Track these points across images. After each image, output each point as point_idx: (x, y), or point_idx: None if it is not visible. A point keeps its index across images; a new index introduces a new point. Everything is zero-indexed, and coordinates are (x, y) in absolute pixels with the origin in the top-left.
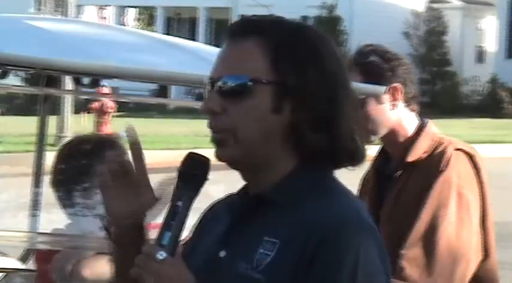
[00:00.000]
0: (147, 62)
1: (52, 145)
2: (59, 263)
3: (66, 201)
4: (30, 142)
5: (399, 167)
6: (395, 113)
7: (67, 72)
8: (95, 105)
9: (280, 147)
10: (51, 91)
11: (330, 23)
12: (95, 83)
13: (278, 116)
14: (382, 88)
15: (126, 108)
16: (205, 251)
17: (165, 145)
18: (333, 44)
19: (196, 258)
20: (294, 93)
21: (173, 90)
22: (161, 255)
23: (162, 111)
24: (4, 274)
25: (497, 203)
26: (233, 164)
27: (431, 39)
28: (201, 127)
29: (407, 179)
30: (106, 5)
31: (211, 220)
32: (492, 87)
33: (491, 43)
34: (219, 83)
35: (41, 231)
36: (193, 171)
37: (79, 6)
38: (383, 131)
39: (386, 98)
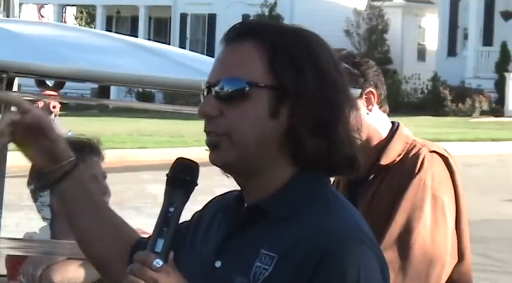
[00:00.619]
0: (119, 65)
1: None
2: (28, 268)
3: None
4: None
5: (372, 171)
6: (370, 117)
7: (39, 75)
8: (40, 104)
9: (277, 153)
10: None
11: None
12: (61, 86)
13: (275, 120)
14: (357, 91)
15: (66, 107)
16: (200, 259)
17: (111, 145)
18: (331, 49)
19: (192, 266)
20: (292, 97)
21: (112, 89)
22: (158, 263)
23: (103, 110)
24: None
25: None
26: (228, 169)
27: (372, 37)
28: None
29: (381, 183)
30: (45, 3)
31: (207, 224)
32: (433, 85)
33: (432, 41)
34: (217, 87)
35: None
36: (184, 176)
37: (20, 5)
38: (363, 137)
39: (361, 103)
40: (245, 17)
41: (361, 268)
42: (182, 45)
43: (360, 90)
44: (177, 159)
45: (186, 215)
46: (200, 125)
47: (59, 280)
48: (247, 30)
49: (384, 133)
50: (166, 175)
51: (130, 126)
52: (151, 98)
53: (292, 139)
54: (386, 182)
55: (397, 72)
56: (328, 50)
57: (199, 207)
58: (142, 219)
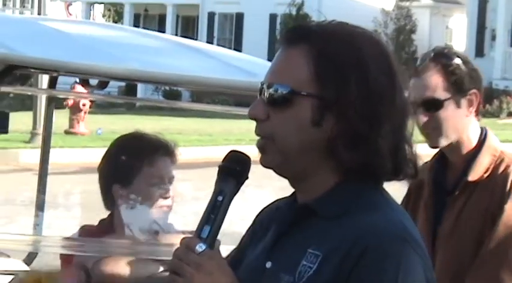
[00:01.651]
0: (170, 66)
1: (27, 142)
2: (80, 260)
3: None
4: (1, 139)
5: (459, 185)
6: (467, 121)
7: (93, 75)
8: (70, 103)
9: (321, 160)
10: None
11: (298, 21)
12: (104, 86)
13: (318, 128)
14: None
15: (93, 105)
16: (253, 261)
17: None
18: (388, 56)
19: (245, 267)
20: (337, 107)
21: (139, 87)
22: (201, 247)
23: (130, 108)
24: (12, 276)
25: None
26: (276, 171)
27: (400, 37)
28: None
29: (468, 199)
30: (73, 1)
31: (261, 228)
32: None
33: (460, 42)
34: (266, 90)
35: (45, 234)
36: (235, 167)
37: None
38: (453, 137)
39: (464, 103)
40: (272, 16)
41: (401, 267)
42: (209, 44)
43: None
44: (231, 151)
45: None
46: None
47: (109, 274)
48: (299, 35)
49: (474, 141)
50: (218, 165)
51: (158, 125)
52: (178, 96)
53: (331, 149)
54: (474, 199)
55: None
56: (383, 59)
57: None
58: (172, 218)
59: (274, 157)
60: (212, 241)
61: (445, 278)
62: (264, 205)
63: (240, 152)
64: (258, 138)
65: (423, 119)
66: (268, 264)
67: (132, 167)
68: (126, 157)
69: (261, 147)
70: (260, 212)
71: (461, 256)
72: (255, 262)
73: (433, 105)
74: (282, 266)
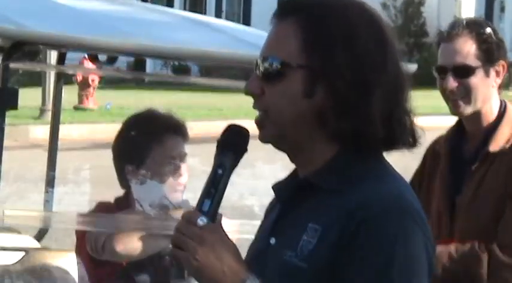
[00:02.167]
0: (178, 41)
1: (36, 118)
2: (93, 236)
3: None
4: (10, 115)
5: (480, 155)
6: (492, 91)
7: (101, 51)
8: (79, 78)
9: (316, 131)
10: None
11: None
12: (113, 61)
13: (310, 100)
14: (414, 66)
15: (102, 81)
16: (260, 238)
17: None
18: (379, 25)
19: (252, 245)
20: (325, 77)
21: (148, 62)
22: (202, 220)
23: (139, 83)
24: (23, 253)
25: None
26: (274, 145)
27: (408, 10)
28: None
29: (488, 169)
30: None
31: (270, 206)
32: None
33: (469, 14)
34: (260, 65)
35: (55, 210)
36: (234, 140)
37: None
38: (478, 106)
39: (492, 73)
40: None
41: (399, 237)
42: (218, 18)
43: (416, 66)
44: (229, 124)
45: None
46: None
47: (121, 250)
48: (290, 7)
49: (495, 113)
50: (217, 139)
51: (167, 99)
52: (187, 71)
53: (323, 118)
54: (495, 169)
55: (433, 46)
56: (374, 26)
57: (242, 180)
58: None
59: (270, 132)
60: (213, 215)
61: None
62: (274, 180)
63: (238, 125)
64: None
65: (452, 84)
66: (272, 240)
67: (143, 147)
68: (137, 137)
69: (259, 122)
70: (269, 205)
71: (482, 225)
72: (260, 238)
73: (464, 72)
74: (284, 242)
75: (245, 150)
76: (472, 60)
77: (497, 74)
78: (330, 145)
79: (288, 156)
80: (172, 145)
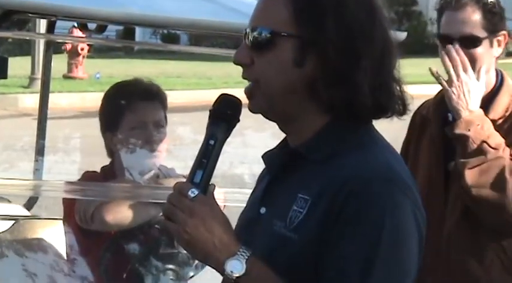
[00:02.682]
0: (168, 9)
1: (25, 87)
2: (82, 206)
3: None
4: (0, 84)
5: None
6: (493, 61)
7: (90, 20)
8: (68, 47)
9: (306, 101)
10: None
11: None
12: (103, 30)
13: (300, 69)
14: (403, 34)
15: (92, 50)
16: (249, 208)
17: None
18: None
19: (241, 215)
20: (316, 46)
21: (137, 31)
22: (193, 192)
23: (128, 52)
24: (13, 221)
25: None
26: (264, 115)
27: None
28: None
29: None
30: None
31: (260, 176)
32: None
33: None
34: (250, 35)
35: (45, 179)
36: (226, 110)
37: None
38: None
39: (495, 43)
40: None
41: (386, 207)
42: None
43: (405, 34)
44: (221, 94)
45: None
46: (227, 66)
47: (110, 219)
48: None
49: (493, 82)
50: (209, 110)
51: (157, 68)
52: (176, 39)
53: (313, 88)
54: None
55: (422, 14)
56: None
57: (231, 149)
58: (170, 161)
59: (260, 101)
60: (205, 186)
61: (457, 210)
62: (264, 149)
63: (231, 95)
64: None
65: (460, 52)
66: (263, 210)
67: (116, 114)
68: (111, 105)
69: (248, 92)
70: (260, 175)
71: None
72: (250, 208)
73: (471, 42)
74: (274, 212)
75: (238, 120)
76: (479, 31)
77: (499, 43)
78: (320, 116)
79: (278, 125)
80: (144, 112)
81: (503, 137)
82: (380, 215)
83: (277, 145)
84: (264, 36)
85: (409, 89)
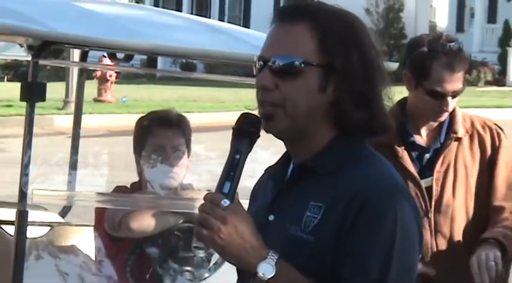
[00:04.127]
0: (186, 41)
1: (60, 109)
2: (110, 215)
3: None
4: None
5: (446, 141)
6: None
7: (118, 50)
8: (98, 74)
9: (322, 121)
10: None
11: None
12: (129, 59)
13: (323, 94)
14: (395, 64)
15: (119, 76)
16: (257, 215)
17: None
18: (369, 30)
19: None
20: (338, 74)
21: (159, 60)
22: (225, 202)
23: (151, 79)
24: (49, 228)
25: None
26: (280, 135)
27: (389, 15)
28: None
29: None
30: None
31: (260, 188)
32: None
33: (442, 19)
34: (272, 62)
35: (77, 189)
36: (249, 128)
37: None
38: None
39: None
40: None
41: (397, 215)
42: (221, 21)
43: (397, 64)
44: (243, 113)
45: None
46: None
47: (135, 227)
48: (300, 12)
49: None
50: (233, 127)
51: (176, 93)
52: (193, 67)
53: (337, 110)
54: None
55: None
56: (368, 31)
57: None
58: (187, 175)
59: (282, 123)
60: (233, 196)
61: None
62: (267, 164)
63: (252, 114)
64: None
65: (450, 105)
66: (271, 217)
67: (141, 138)
68: (138, 130)
69: (269, 114)
70: (255, 185)
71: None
72: (257, 216)
73: (457, 95)
74: (286, 218)
75: (259, 136)
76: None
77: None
78: (328, 133)
79: (286, 143)
80: (163, 137)
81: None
82: (392, 220)
83: (278, 161)
84: (296, 64)
85: None
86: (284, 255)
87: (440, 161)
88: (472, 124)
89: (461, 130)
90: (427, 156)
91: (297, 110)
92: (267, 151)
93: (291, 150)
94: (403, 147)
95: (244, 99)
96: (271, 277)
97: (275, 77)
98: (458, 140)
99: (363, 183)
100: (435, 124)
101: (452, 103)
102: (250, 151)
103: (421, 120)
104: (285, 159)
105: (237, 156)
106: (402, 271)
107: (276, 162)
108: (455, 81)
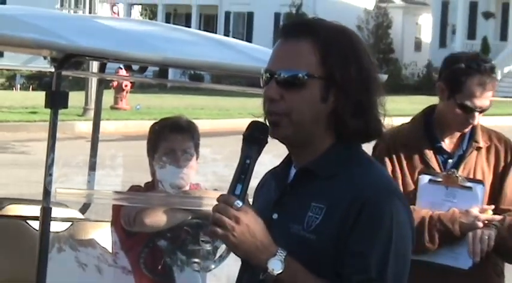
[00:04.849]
0: (195, 54)
1: (80, 115)
2: (126, 211)
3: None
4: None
5: (468, 148)
6: None
7: (133, 62)
8: (115, 84)
9: (324, 128)
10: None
11: (297, 19)
12: (144, 70)
13: (324, 104)
14: (384, 76)
15: (133, 86)
16: (261, 213)
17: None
18: (364, 44)
19: None
20: (338, 85)
21: (170, 71)
22: (238, 203)
23: (162, 88)
24: (70, 223)
25: None
26: (284, 141)
27: (378, 31)
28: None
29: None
30: (116, 2)
31: (263, 188)
32: (427, 70)
33: (427, 35)
34: (278, 75)
35: (96, 188)
36: (258, 135)
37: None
38: None
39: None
40: (277, 14)
41: (393, 215)
42: (226, 36)
43: (386, 76)
44: (252, 121)
45: None
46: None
47: (148, 222)
48: (303, 29)
49: None
50: (243, 135)
51: (185, 102)
52: (201, 78)
53: (336, 118)
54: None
55: (398, 60)
56: (364, 46)
57: None
58: (196, 176)
59: (287, 130)
60: (244, 197)
61: None
62: (270, 166)
63: (260, 122)
64: (269, 114)
65: (476, 120)
66: (275, 216)
67: (155, 143)
68: (152, 136)
69: (275, 122)
70: (258, 184)
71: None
72: (262, 215)
73: (484, 111)
74: (289, 217)
75: (267, 142)
76: None
77: None
78: (328, 139)
79: (291, 148)
80: (174, 141)
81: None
82: (389, 221)
83: (280, 164)
84: (300, 77)
85: (387, 120)
86: (288, 251)
87: (462, 166)
88: (490, 136)
89: (481, 140)
90: (451, 161)
91: (301, 118)
92: (268, 154)
93: (294, 155)
94: (432, 151)
95: (248, 107)
96: (281, 273)
97: (281, 88)
98: (479, 149)
99: (362, 185)
100: (458, 133)
101: (478, 117)
102: (259, 156)
103: (448, 128)
104: (286, 163)
105: (248, 161)
106: (398, 269)
107: (278, 165)
108: (484, 98)
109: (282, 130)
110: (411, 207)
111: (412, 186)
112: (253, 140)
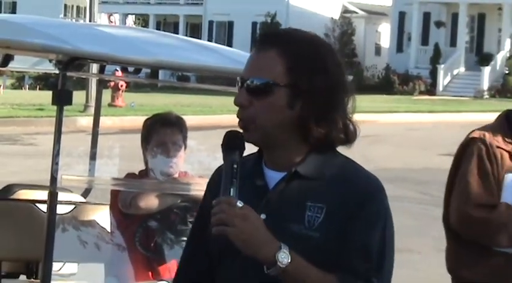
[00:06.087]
0: (183, 57)
1: (81, 112)
2: (123, 196)
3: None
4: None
5: None
6: None
7: (132, 65)
8: (112, 84)
9: (293, 133)
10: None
11: (272, 27)
12: (138, 71)
13: (291, 110)
14: (349, 78)
15: (128, 86)
16: None
17: None
18: (337, 55)
19: None
20: (304, 94)
21: (160, 73)
22: (240, 203)
23: (153, 88)
24: (73, 206)
25: (395, 156)
26: (255, 144)
27: (343, 38)
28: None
29: None
30: (113, 13)
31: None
32: (386, 72)
33: (386, 41)
34: (248, 82)
35: (96, 175)
36: (236, 142)
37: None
38: None
39: None
40: (254, 24)
41: (387, 210)
42: (209, 41)
43: (351, 77)
44: (227, 132)
45: None
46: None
47: (142, 205)
48: (273, 39)
49: None
50: (222, 145)
51: (173, 100)
52: (187, 79)
53: (303, 124)
54: None
55: (360, 64)
56: (334, 54)
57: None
58: (184, 165)
59: (255, 135)
60: (237, 198)
61: None
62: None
63: (234, 130)
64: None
65: None
66: (263, 216)
67: (148, 135)
68: (146, 129)
69: (244, 127)
70: (213, 176)
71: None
72: None
73: None
74: (283, 217)
75: (245, 147)
76: None
77: None
78: (304, 144)
79: (264, 151)
80: (165, 134)
81: None
82: (384, 214)
83: (248, 161)
84: (266, 85)
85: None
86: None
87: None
88: None
89: None
90: None
91: (267, 124)
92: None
93: (269, 158)
94: None
95: (229, 105)
96: (288, 264)
97: (250, 95)
98: None
99: (356, 181)
100: None
101: None
102: (241, 160)
103: None
104: (256, 163)
105: (235, 166)
106: (391, 255)
107: (244, 161)
108: None
109: (250, 134)
110: (505, 203)
111: (501, 185)
112: (234, 146)
